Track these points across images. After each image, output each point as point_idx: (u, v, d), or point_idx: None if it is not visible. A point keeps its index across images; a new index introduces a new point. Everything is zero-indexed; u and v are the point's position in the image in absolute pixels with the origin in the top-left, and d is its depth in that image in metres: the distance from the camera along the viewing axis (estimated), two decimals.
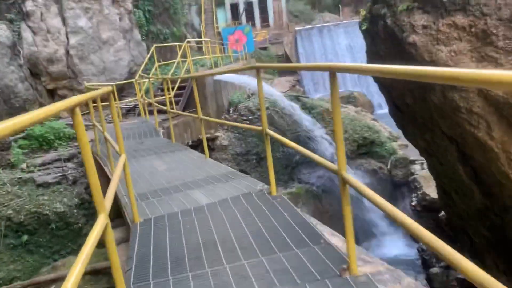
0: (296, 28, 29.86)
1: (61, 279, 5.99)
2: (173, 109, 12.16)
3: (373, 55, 7.96)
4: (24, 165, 9.71)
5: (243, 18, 30.17)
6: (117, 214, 5.17)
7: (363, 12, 7.73)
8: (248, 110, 14.41)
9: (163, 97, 12.43)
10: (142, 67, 13.56)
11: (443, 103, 6.51)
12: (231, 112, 14.44)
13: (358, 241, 3.44)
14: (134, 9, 17.58)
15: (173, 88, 12.51)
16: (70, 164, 9.97)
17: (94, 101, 6.19)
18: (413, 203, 13.30)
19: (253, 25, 28.92)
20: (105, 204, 2.03)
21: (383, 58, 7.61)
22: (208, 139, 13.43)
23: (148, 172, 5.24)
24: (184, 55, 14.36)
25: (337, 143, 2.33)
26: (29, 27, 12.92)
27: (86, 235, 2.95)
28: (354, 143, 14.73)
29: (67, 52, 13.59)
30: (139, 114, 13.06)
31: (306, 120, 14.50)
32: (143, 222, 3.64)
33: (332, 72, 2.31)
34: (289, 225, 3.09)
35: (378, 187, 14.14)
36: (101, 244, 2.20)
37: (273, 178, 3.93)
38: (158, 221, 3.60)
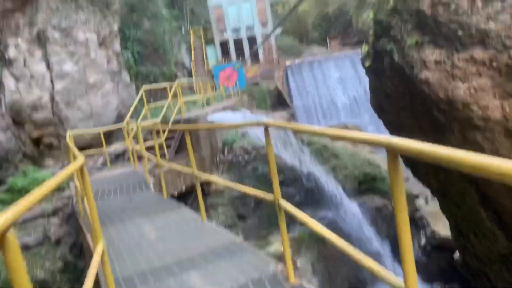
0: (287, 63, 29.64)
1: None
2: (164, 154, 11.44)
3: (378, 93, 7.35)
4: None
5: (233, 55, 29.93)
6: None
7: (365, 48, 7.16)
8: (244, 150, 13.71)
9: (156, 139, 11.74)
10: (132, 109, 12.90)
11: (462, 144, 5.84)
12: (226, 153, 13.72)
13: None
14: (122, 51, 17.09)
15: (164, 131, 11.81)
16: (54, 220, 9.11)
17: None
18: (422, 243, 12.48)
19: (244, 61, 28.65)
20: None
21: (390, 96, 7.00)
22: (202, 184, 12.68)
23: (135, 243, 4.45)
24: (175, 95, 13.77)
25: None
26: (12, 74, 12.28)
27: None
28: (355, 180, 14.02)
29: (52, 98, 12.91)
30: (128, 159, 12.31)
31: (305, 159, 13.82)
32: None
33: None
34: None
35: (383, 225, 13.37)
36: None
37: (289, 259, 3.16)
38: None
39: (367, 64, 6.99)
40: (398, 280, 1.76)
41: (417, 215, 13.29)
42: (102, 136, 11.12)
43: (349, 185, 13.80)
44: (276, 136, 13.89)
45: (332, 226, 12.66)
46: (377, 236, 12.55)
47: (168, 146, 11.72)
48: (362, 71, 26.76)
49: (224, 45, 30.28)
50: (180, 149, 12.24)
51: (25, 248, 7.66)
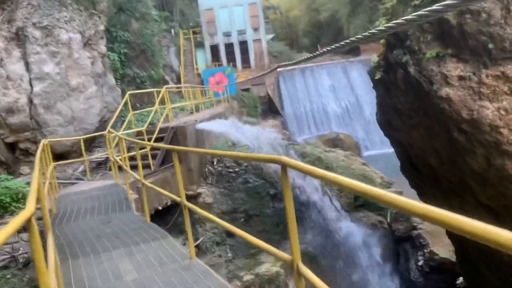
0: (279, 69, 28.97)
1: None
2: (149, 166, 10.62)
3: (387, 109, 6.67)
4: None
5: (224, 59, 29.19)
6: None
7: (375, 58, 6.47)
8: (234, 161, 12.95)
9: (140, 151, 10.89)
10: (116, 114, 12.04)
11: (486, 171, 5.16)
12: (215, 163, 12.93)
13: None
14: (108, 52, 16.21)
15: (149, 140, 10.99)
16: (26, 235, 8.22)
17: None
18: (419, 263, 11.83)
19: (234, 66, 27.92)
20: None
21: (401, 113, 6.31)
22: (189, 197, 11.87)
23: (109, 287, 3.66)
24: (162, 101, 12.97)
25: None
26: None
27: None
28: (350, 194, 13.36)
29: (30, 101, 11.99)
30: (110, 168, 11.45)
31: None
32: None
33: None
34: None
35: (379, 244, 12.71)
36: None
37: None
38: None
39: (377, 76, 6.30)
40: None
41: (414, 233, 12.66)
42: (82, 144, 10.25)
43: (343, 200, 13.13)
44: (268, 142, 13.17)
45: (325, 243, 11.98)
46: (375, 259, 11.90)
47: (153, 157, 10.90)
48: (355, 80, 26.29)
49: (214, 49, 29.52)
50: (167, 159, 11.42)
51: None
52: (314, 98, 26.82)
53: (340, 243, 11.85)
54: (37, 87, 12.02)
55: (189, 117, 15.70)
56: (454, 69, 5.07)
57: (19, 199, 10.45)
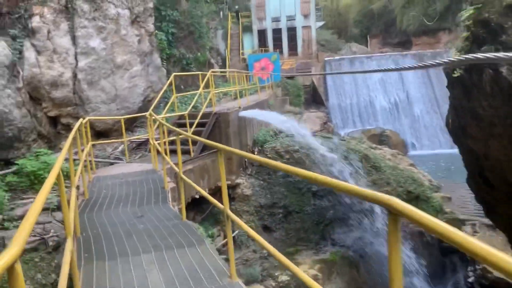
0: (325, 58, 27.85)
1: None
2: (189, 152, 10.09)
3: (463, 113, 5.72)
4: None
5: (270, 45, 28.31)
6: None
7: (455, 53, 5.52)
8: (276, 152, 12.24)
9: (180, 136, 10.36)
10: (159, 96, 11.52)
11: None
12: (256, 153, 12.27)
13: None
14: (156, 31, 15.76)
15: (191, 125, 10.45)
16: (59, 214, 7.89)
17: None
18: (469, 279, 10.80)
19: (281, 52, 27.02)
20: None
21: (480, 119, 5.36)
22: (228, 187, 11.31)
23: None
24: (206, 84, 12.39)
25: None
26: (33, 45, 11.09)
27: None
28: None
29: (75, 76, 11.69)
30: (150, 151, 11.02)
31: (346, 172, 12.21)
32: None
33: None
34: None
35: (424, 252, 11.74)
36: None
37: None
38: None
39: (455, 74, 5.37)
40: None
41: None
42: (122, 124, 9.83)
43: None
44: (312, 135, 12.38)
45: (368, 248, 11.14)
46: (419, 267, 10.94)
47: (194, 143, 10.35)
48: (406, 75, 24.77)
49: (262, 34, 28.67)
50: (206, 148, 10.86)
51: None
52: (362, 91, 25.56)
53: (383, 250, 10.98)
54: (82, 62, 11.70)
55: (232, 102, 15.08)
56: None
57: (57, 174, 10.22)
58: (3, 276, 1.42)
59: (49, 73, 11.18)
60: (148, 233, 4.63)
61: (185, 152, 10.14)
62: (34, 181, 9.52)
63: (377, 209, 11.97)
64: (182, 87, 18.78)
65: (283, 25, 28.21)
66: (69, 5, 11.82)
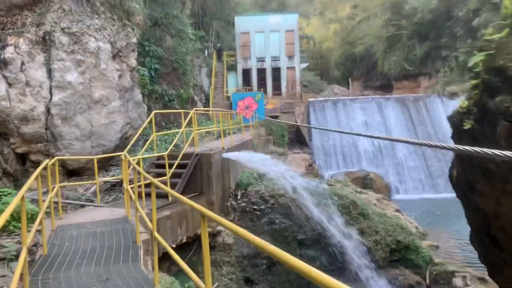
0: (309, 99, 27.70)
1: None
2: (167, 196, 9.28)
3: (471, 167, 5.15)
4: None
5: (255, 84, 28.10)
6: None
7: (464, 103, 5.02)
8: (260, 197, 11.49)
9: (160, 177, 9.59)
10: (138, 133, 10.77)
11: None
12: (239, 197, 11.51)
13: None
14: (138, 67, 15.21)
15: (171, 166, 9.69)
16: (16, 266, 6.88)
17: None
18: None
19: (265, 92, 26.78)
20: None
21: (493, 175, 4.79)
22: (208, 235, 10.47)
23: None
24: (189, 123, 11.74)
25: None
26: (4, 77, 10.34)
27: None
28: (386, 247, 11.69)
29: (48, 111, 10.92)
30: (123, 193, 10.15)
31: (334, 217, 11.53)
32: None
33: None
34: None
35: None
36: None
37: None
38: None
39: (465, 126, 4.83)
40: None
41: None
42: (95, 165, 9.00)
43: (379, 253, 11.47)
44: (301, 182, 11.72)
45: None
46: None
47: (174, 185, 9.57)
48: (389, 118, 24.62)
49: (246, 73, 28.49)
50: (188, 188, 10.07)
51: None
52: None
53: None
54: (57, 96, 10.96)
55: (216, 142, 14.41)
56: None
57: (20, 217, 9.26)
58: None
59: (20, 106, 10.39)
60: None
61: (163, 196, 9.35)
62: None
63: (364, 260, 11.27)
64: (163, 124, 18.11)
65: (267, 65, 28.14)
66: (47, 37, 11.19)
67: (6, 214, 2.99)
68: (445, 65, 34.90)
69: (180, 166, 9.91)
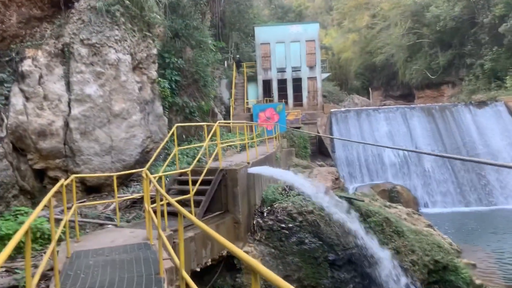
0: (332, 110, 26.86)
1: None
2: (191, 212, 8.57)
3: None
4: None
5: (275, 95, 27.43)
6: None
7: None
8: (288, 214, 10.69)
9: (182, 196, 8.92)
10: (160, 147, 10.11)
11: None
12: (265, 214, 10.74)
13: None
14: (159, 78, 14.69)
15: (194, 182, 9.01)
16: None
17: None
18: None
19: (286, 103, 26.07)
20: None
21: None
22: (233, 257, 9.72)
23: None
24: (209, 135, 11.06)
25: None
26: (22, 90, 9.87)
27: None
28: (424, 268, 10.75)
29: (66, 125, 10.40)
30: (144, 211, 9.49)
31: (362, 232, 10.66)
32: None
33: None
34: None
35: None
36: None
37: None
38: None
39: None
40: None
41: None
42: (115, 182, 8.38)
43: (417, 275, 10.53)
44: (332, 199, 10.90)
45: None
46: None
47: (197, 203, 8.88)
48: (415, 128, 23.53)
49: (266, 84, 27.86)
50: (212, 207, 9.37)
51: None
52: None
53: None
54: (76, 110, 10.44)
55: (239, 156, 13.72)
56: None
57: (37, 238, 8.68)
58: None
59: (37, 121, 9.89)
60: None
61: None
62: None
63: (404, 279, 10.34)
64: (184, 136, 17.54)
65: (288, 75, 27.46)
66: (66, 49, 10.72)
67: (15, 241, 2.64)
68: (469, 73, 33.70)
69: (204, 182, 9.23)
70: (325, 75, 29.28)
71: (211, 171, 9.56)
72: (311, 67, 27.36)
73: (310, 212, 10.85)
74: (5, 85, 9.82)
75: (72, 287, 4.72)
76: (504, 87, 28.84)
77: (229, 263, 9.28)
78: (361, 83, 53.02)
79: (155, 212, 7.70)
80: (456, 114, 25.20)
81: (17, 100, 9.73)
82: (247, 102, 26.73)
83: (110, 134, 10.97)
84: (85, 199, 10.95)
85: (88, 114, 10.58)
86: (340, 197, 11.47)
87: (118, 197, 10.78)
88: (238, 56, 31.67)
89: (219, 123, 9.93)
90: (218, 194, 9.53)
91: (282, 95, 27.43)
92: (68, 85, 10.53)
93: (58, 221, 8.48)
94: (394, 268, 10.16)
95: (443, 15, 34.08)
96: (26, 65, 10.00)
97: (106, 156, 10.84)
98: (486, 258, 15.69)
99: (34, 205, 9.95)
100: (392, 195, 20.90)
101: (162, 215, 7.00)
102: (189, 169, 8.84)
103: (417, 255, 11.01)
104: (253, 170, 10.38)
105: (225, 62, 29.88)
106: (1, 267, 7.66)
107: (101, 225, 9.81)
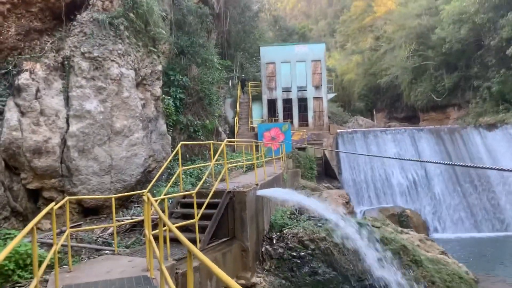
0: (338, 131, 26.17)
1: None
2: (195, 241, 7.77)
3: None
4: None
5: (280, 115, 26.81)
6: None
7: None
8: (299, 241, 9.86)
9: (185, 221, 8.12)
10: (163, 167, 9.35)
11: None
12: (274, 241, 9.91)
13: None
14: (163, 96, 14.05)
15: (199, 205, 8.23)
16: None
17: None
18: None
19: (291, 123, 25.41)
20: None
21: None
22: None
23: None
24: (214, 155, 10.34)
25: None
26: (17, 105, 9.20)
27: None
28: None
29: (64, 142, 9.68)
30: (144, 236, 8.67)
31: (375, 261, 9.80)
32: None
33: None
34: None
35: None
36: None
37: None
38: None
39: None
40: None
41: None
42: (113, 205, 7.61)
43: None
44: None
45: None
46: None
47: (203, 229, 8.09)
48: (423, 150, 22.70)
49: (271, 104, 27.27)
50: (218, 232, 8.57)
51: None
52: (377, 165, 23.55)
53: None
54: (74, 127, 9.74)
55: (245, 177, 12.94)
56: None
57: (27, 265, 7.85)
58: None
59: (33, 138, 9.18)
60: None
61: (190, 241, 7.85)
62: None
63: None
64: (187, 156, 16.80)
65: (294, 95, 26.89)
66: (66, 62, 10.10)
67: None
68: (476, 96, 33.10)
69: (209, 205, 8.45)
70: (331, 95, 28.72)
71: (217, 194, 8.79)
72: (317, 87, 26.80)
73: (322, 239, 10.02)
74: (0, 99, 9.16)
75: None
76: None
77: None
78: (364, 104, 52.51)
79: (156, 238, 6.90)
80: (466, 136, 24.48)
81: (11, 115, 9.05)
82: (251, 122, 26.08)
83: (110, 152, 10.24)
84: (81, 222, 10.15)
85: (87, 131, 9.87)
86: (358, 223, 10.64)
87: (117, 220, 9.98)
88: (243, 75, 31.21)
89: (227, 141, 9.20)
90: (225, 218, 8.74)
91: (287, 114, 26.80)
92: (67, 100, 9.86)
93: (52, 246, 7.69)
94: None
95: (448, 38, 33.71)
96: (23, 78, 9.35)
97: (106, 175, 10.08)
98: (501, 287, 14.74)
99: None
100: (401, 220, 20.01)
101: (164, 241, 6.22)
102: (195, 191, 8.06)
103: (438, 287, 10.13)
104: (263, 192, 9.60)
105: (230, 81, 29.40)
106: None
107: (98, 250, 9.00)
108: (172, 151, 13.67)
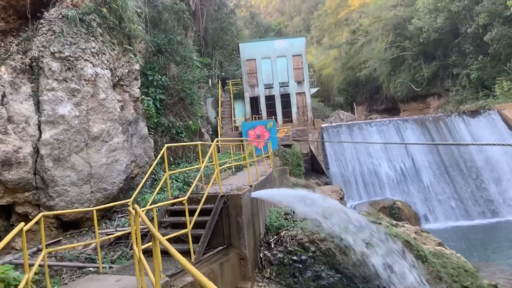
0: (323, 125, 25.66)
1: None
2: (188, 252, 6.99)
3: None
4: None
5: (264, 112, 26.10)
6: None
7: None
8: (298, 244, 9.17)
9: (177, 232, 7.31)
10: (149, 172, 8.50)
11: None
12: (272, 245, 9.20)
13: None
14: (142, 96, 13.16)
15: (192, 212, 7.46)
16: None
17: None
18: None
19: (275, 119, 24.74)
20: None
21: None
22: None
23: None
24: (202, 157, 9.58)
25: None
26: None
27: None
28: None
29: (36, 151, 8.75)
30: (132, 248, 7.83)
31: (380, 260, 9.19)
32: None
33: None
34: None
35: None
36: None
37: None
38: None
39: None
40: None
41: None
42: (95, 218, 6.77)
43: None
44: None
45: None
46: None
47: (196, 238, 7.32)
48: (409, 139, 22.30)
49: (254, 101, 26.55)
50: (213, 241, 7.81)
51: None
52: (364, 158, 23.10)
53: None
54: (47, 133, 8.80)
55: (236, 178, 12.19)
56: None
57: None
58: None
59: (1, 148, 8.22)
60: None
61: (183, 252, 7.07)
62: None
63: None
64: (171, 159, 15.94)
65: (276, 91, 26.22)
66: (34, 63, 9.15)
67: None
68: (456, 84, 33.12)
69: (201, 212, 7.67)
70: (314, 90, 28.16)
71: (209, 199, 8.02)
72: (299, 82, 26.21)
73: (322, 239, 9.35)
74: None
75: None
76: (493, 95, 28.21)
77: None
78: (344, 98, 52.36)
79: (144, 252, 6.10)
80: (450, 124, 24.28)
81: None
82: (234, 121, 25.31)
83: (88, 159, 9.34)
84: (61, 238, 9.23)
85: (62, 137, 8.95)
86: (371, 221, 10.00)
87: (100, 233, 9.11)
88: (223, 74, 30.40)
89: (217, 140, 8.44)
90: (219, 225, 7.97)
91: (271, 111, 26.13)
92: (38, 105, 8.92)
93: (30, 266, 6.80)
94: None
95: (425, 27, 33.62)
96: None
97: (85, 185, 9.18)
98: (505, 276, 14.40)
99: None
100: (393, 212, 19.60)
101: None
102: (185, 197, 7.27)
103: (446, 282, 9.60)
104: (257, 194, 8.87)
105: (210, 80, 28.54)
106: None
107: (81, 268, 8.13)
108: (155, 155, 12.82)
